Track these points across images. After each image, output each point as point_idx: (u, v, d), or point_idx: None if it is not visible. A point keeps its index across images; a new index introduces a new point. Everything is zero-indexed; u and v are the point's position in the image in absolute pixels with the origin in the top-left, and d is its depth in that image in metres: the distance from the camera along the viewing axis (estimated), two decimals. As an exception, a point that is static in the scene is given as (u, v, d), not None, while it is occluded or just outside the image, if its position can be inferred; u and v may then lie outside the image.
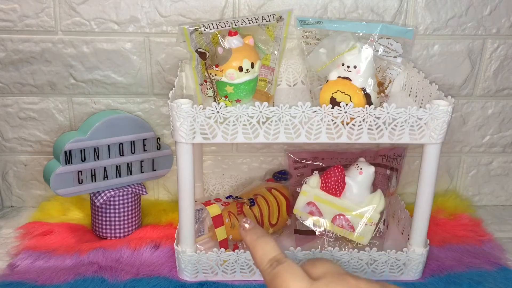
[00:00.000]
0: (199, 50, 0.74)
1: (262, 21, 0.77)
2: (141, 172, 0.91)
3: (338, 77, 0.74)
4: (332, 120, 0.70)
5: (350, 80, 0.73)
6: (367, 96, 0.73)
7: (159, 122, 0.96)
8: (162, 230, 0.91)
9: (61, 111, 0.95)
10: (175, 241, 0.80)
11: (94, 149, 0.85)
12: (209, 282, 0.79)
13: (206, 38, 0.76)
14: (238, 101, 0.77)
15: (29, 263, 0.82)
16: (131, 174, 0.90)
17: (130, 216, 0.89)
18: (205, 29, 0.73)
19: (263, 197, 0.87)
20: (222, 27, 0.74)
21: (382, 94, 0.77)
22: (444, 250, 0.87)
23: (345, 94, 0.73)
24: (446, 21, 0.91)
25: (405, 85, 0.89)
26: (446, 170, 1.02)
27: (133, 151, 0.89)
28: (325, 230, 0.81)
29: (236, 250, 0.77)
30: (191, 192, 0.74)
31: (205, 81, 0.77)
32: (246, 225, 0.50)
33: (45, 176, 0.86)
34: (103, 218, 0.89)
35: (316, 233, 0.82)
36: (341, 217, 0.80)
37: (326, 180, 0.81)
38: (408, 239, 0.80)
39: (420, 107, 0.73)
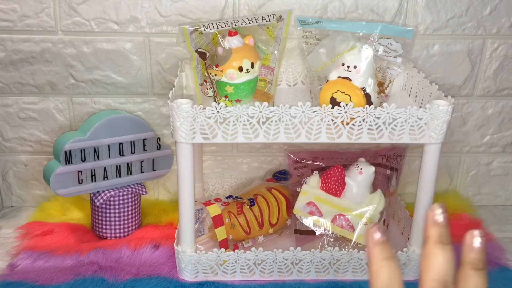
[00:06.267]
0: (199, 50, 0.74)
1: (262, 21, 0.77)
2: (141, 172, 0.91)
3: (338, 77, 0.74)
4: (332, 120, 0.70)
5: (350, 80, 0.73)
6: (367, 96, 0.73)
7: (159, 122, 0.96)
8: (162, 230, 0.91)
9: (61, 111, 0.95)
10: (175, 241, 0.80)
11: (94, 149, 0.85)
12: (209, 282, 0.78)
13: (206, 38, 0.76)
14: (238, 101, 0.77)
15: (29, 263, 0.82)
16: (131, 174, 0.90)
17: (130, 216, 0.89)
18: (205, 29, 0.73)
19: (263, 197, 0.86)
20: (222, 27, 0.74)
21: (382, 94, 0.77)
22: (444, 250, 0.87)
23: (345, 94, 0.73)
24: (446, 21, 0.91)
25: (405, 85, 0.89)
26: (446, 170, 1.02)
27: (133, 151, 0.88)
28: (325, 230, 0.81)
29: (236, 250, 0.77)
30: (191, 192, 0.74)
31: (205, 81, 0.77)
32: (376, 236, 0.40)
33: (45, 176, 0.86)
34: (103, 218, 0.89)
35: (316, 233, 0.82)
36: (341, 217, 0.80)
37: (326, 180, 0.81)
38: (408, 239, 0.80)
39: (420, 107, 0.73)
